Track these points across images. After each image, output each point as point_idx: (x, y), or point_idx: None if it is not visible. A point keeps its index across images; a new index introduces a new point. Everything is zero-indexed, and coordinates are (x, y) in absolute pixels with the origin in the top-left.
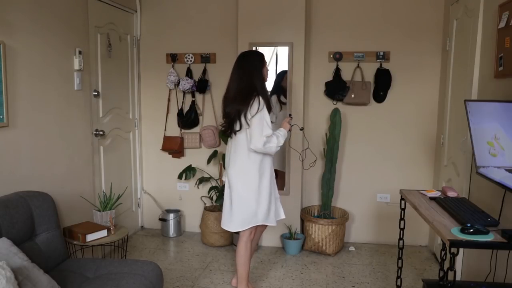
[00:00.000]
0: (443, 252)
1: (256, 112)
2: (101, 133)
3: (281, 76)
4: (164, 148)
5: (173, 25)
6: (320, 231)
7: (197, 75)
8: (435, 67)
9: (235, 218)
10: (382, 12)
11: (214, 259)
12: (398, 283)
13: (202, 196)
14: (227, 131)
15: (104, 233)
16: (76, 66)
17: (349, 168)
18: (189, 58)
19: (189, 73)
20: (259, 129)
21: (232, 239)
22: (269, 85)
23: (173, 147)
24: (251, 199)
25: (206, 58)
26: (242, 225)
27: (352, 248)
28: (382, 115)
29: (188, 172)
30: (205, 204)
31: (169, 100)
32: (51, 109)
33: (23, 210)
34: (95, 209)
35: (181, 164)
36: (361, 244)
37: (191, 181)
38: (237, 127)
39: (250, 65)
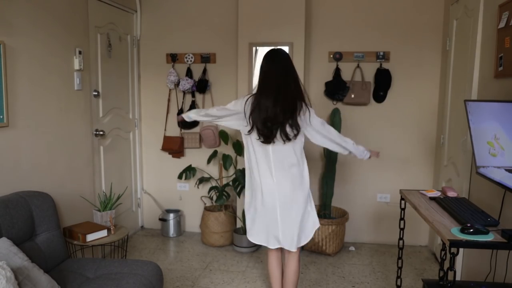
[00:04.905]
0: (443, 252)
1: None
2: (101, 133)
3: None
4: (164, 148)
5: (173, 25)
6: (320, 231)
7: (197, 75)
8: (435, 67)
9: (312, 229)
10: (382, 12)
11: (214, 259)
12: (398, 283)
13: (202, 196)
14: None
15: (104, 233)
16: (76, 66)
17: (349, 168)
18: (189, 58)
19: (189, 73)
20: None
21: (232, 239)
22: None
23: (173, 147)
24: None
25: (206, 58)
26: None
27: (352, 248)
28: (382, 115)
29: (188, 172)
30: (205, 204)
31: (169, 100)
32: (51, 109)
33: (23, 210)
34: (95, 209)
35: (181, 164)
36: (361, 244)
37: (191, 181)
38: None
39: None
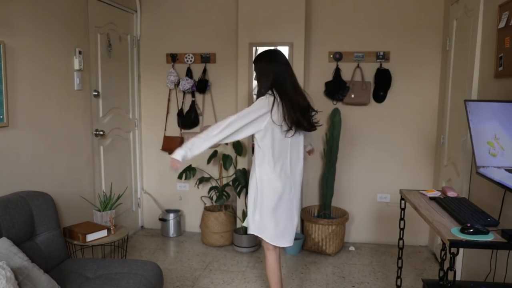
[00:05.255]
0: (443, 252)
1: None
2: (101, 133)
3: None
4: (164, 148)
5: (173, 25)
6: (320, 231)
7: (197, 75)
8: (435, 67)
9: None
10: (382, 12)
11: (214, 259)
12: (398, 283)
13: (202, 196)
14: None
15: (104, 233)
16: (76, 66)
17: (349, 168)
18: (189, 58)
19: (189, 73)
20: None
21: (232, 239)
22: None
23: (173, 147)
24: None
25: (206, 58)
26: None
27: (352, 248)
28: (382, 115)
29: (188, 172)
30: (205, 204)
31: (169, 100)
32: (51, 109)
33: (23, 210)
34: (95, 209)
35: None
36: (361, 244)
37: (191, 181)
38: None
39: None
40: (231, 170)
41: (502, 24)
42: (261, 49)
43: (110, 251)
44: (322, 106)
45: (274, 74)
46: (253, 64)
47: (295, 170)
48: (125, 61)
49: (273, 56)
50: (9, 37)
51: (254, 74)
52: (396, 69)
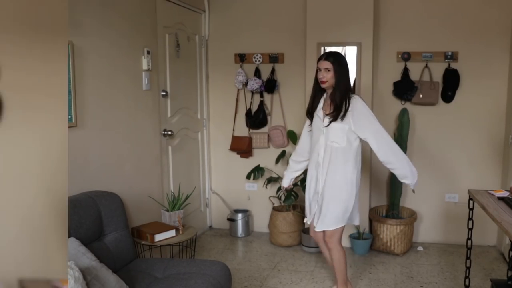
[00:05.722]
0: (511, 252)
1: None
2: (169, 133)
3: None
4: (232, 148)
5: (241, 25)
6: (388, 231)
7: (265, 75)
8: (504, 67)
9: None
10: (451, 12)
11: (283, 259)
12: (466, 283)
13: (270, 196)
14: None
15: (172, 233)
16: (145, 66)
17: (417, 167)
18: (257, 58)
19: (257, 73)
20: None
21: (300, 239)
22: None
23: (242, 147)
24: None
25: (274, 58)
26: None
27: (420, 248)
28: (450, 115)
29: (256, 172)
30: (273, 204)
31: (237, 100)
32: (119, 109)
33: (91, 210)
34: (164, 209)
35: (249, 164)
36: (429, 244)
37: (259, 181)
38: None
39: None
40: None
41: None
42: (328, 49)
43: (179, 251)
44: (390, 106)
45: (348, 80)
46: (327, 61)
47: None
48: (193, 61)
49: (347, 63)
50: (78, 37)
51: (326, 72)
52: (464, 69)
